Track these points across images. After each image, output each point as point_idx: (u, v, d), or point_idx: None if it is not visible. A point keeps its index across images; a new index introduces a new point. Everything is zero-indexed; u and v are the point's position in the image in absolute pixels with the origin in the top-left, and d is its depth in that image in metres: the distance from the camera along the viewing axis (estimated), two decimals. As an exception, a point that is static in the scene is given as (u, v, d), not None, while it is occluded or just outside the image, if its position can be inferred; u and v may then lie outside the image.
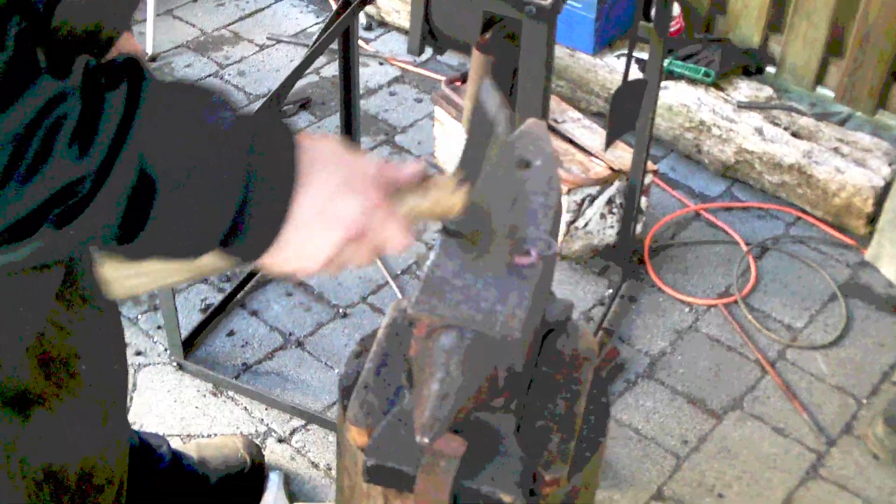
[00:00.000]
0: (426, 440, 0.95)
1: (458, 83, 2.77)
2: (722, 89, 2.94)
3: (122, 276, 1.02)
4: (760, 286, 2.59)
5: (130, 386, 2.31)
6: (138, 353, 2.39)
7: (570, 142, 2.60)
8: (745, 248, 2.68)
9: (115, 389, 1.42)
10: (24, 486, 1.23)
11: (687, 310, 2.53)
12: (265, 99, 2.15)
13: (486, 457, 1.10)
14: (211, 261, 0.92)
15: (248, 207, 0.87)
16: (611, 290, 2.56)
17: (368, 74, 3.33)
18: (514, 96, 1.63)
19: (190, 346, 2.39)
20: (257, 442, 2.18)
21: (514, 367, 1.04)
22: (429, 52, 3.00)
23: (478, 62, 1.80)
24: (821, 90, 3.03)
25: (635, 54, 2.96)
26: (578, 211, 2.49)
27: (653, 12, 2.09)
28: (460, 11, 1.82)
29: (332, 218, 0.92)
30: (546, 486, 1.12)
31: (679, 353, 2.41)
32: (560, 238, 2.53)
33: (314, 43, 2.23)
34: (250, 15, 3.61)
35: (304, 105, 3.19)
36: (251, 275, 2.58)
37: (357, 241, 0.94)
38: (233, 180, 0.85)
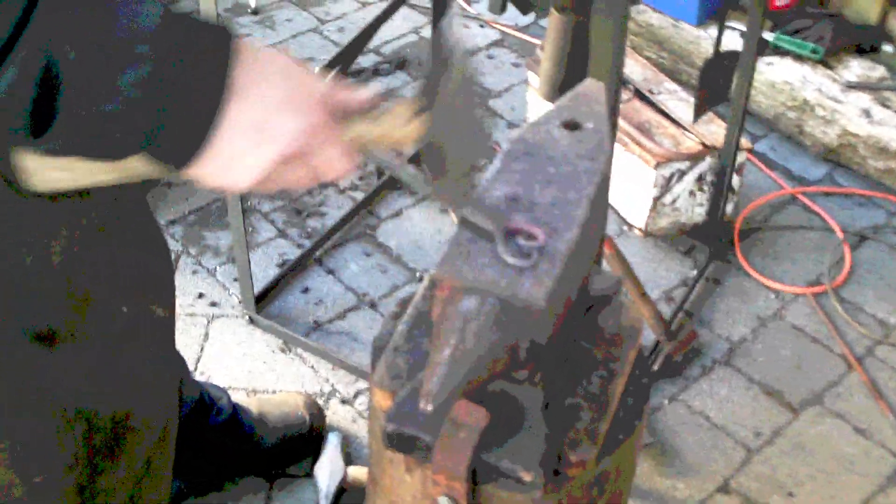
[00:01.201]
0: (429, 408, 0.91)
1: (553, 49, 2.70)
2: (831, 67, 2.80)
3: (43, 168, 0.97)
4: (854, 277, 2.46)
5: (202, 335, 2.33)
6: (213, 304, 2.41)
7: (663, 113, 2.51)
8: (841, 236, 2.55)
9: (159, 336, 1.41)
10: (54, 423, 1.22)
11: (773, 297, 2.42)
12: (340, 51, 2.12)
13: (509, 431, 1.05)
14: (138, 164, 0.88)
15: (171, 111, 0.82)
16: (695, 272, 2.47)
17: (467, 36, 3.28)
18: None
19: (263, 301, 2.39)
20: (321, 402, 2.18)
21: (537, 339, 0.99)
22: (531, 15, 2.94)
23: (556, 24, 1.73)
24: (939, 73, 2.86)
25: (742, 27, 2.85)
26: (666, 186, 2.40)
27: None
28: (543, -29, 1.75)
29: (268, 132, 0.87)
30: (572, 468, 1.06)
31: (760, 341, 2.31)
32: (646, 214, 2.44)
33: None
34: (354, -27, 3.59)
35: (401, 65, 3.15)
36: (331, 232, 2.57)
37: (294, 160, 0.90)
38: (151, 81, 0.80)
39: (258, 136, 0.87)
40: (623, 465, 1.16)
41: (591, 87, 1.22)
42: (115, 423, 1.29)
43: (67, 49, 0.78)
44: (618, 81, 1.52)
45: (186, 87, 0.82)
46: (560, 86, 1.76)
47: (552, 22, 1.73)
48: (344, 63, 2.07)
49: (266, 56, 0.88)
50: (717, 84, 2.05)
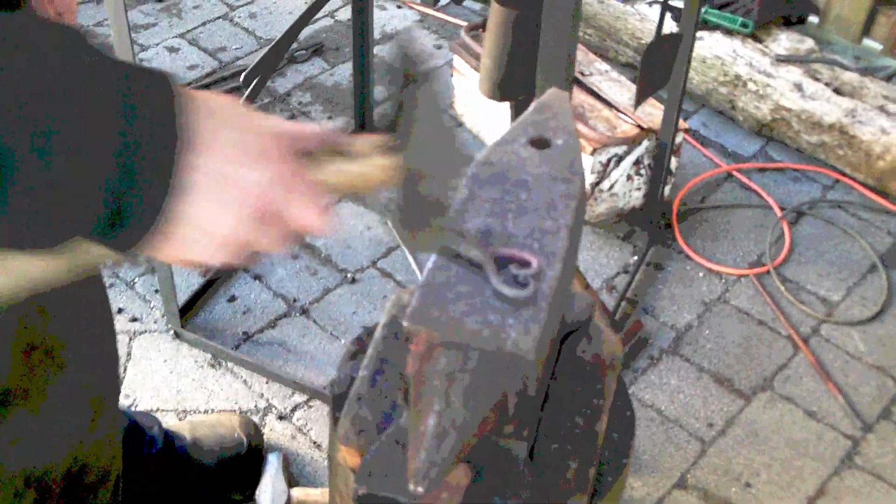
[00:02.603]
0: (420, 490, 0.81)
1: (480, 30, 2.59)
2: (760, 41, 2.75)
3: None
4: (795, 255, 2.43)
5: (124, 355, 2.19)
6: (134, 320, 2.26)
7: (597, 96, 2.43)
8: (779, 214, 2.51)
9: (106, 378, 1.29)
10: (1, 494, 1.11)
11: (716, 279, 2.37)
12: (273, 44, 1.99)
13: (495, 487, 0.96)
14: (85, 252, 0.75)
15: (123, 182, 0.68)
16: (636, 257, 2.40)
17: (386, 18, 3.16)
18: (534, 58, 1.46)
19: (188, 313, 2.26)
20: (257, 419, 2.06)
21: (526, 390, 0.89)
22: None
23: (497, 17, 1.63)
24: (867, 42, 2.83)
25: (670, 2, 2.78)
26: (603, 172, 2.33)
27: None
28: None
29: (233, 189, 0.73)
30: (562, 519, 0.98)
31: (706, 326, 2.26)
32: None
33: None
34: (261, -46, 3.42)
35: (317, 51, 3.02)
36: (255, 235, 2.43)
37: (266, 219, 0.77)
38: (96, 147, 0.67)
39: (222, 195, 0.73)
40: (611, 507, 1.08)
41: (556, 98, 1.12)
42: (67, 480, 1.20)
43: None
44: (571, 82, 1.43)
45: (141, 151, 0.68)
46: (501, 83, 1.66)
47: (493, 15, 1.62)
48: (275, 58, 1.94)
49: (213, 101, 0.76)
50: (659, 67, 1.98)
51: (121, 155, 0.67)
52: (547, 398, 1.05)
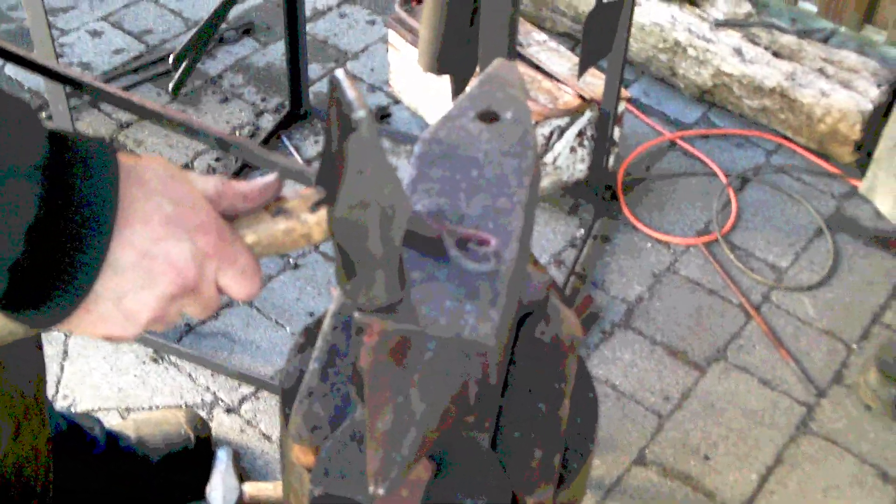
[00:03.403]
0: (381, 491, 0.76)
1: (414, 3, 2.53)
2: (697, 5, 2.72)
3: None
4: (742, 222, 2.41)
5: (60, 353, 2.10)
6: (68, 315, 2.18)
7: (537, 68, 2.38)
8: (724, 180, 2.49)
9: (27, 391, 1.22)
10: None
11: (664, 250, 2.34)
12: (201, 25, 1.90)
13: (458, 481, 0.91)
14: None
15: (42, 255, 0.64)
16: (582, 231, 2.37)
17: (314, -4, 3.08)
18: (475, 29, 1.40)
19: (125, 306, 2.18)
20: (203, 413, 1.99)
21: (488, 379, 0.85)
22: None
23: (433, -12, 1.57)
24: (803, 4, 2.82)
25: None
26: (547, 145, 2.28)
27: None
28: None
29: (158, 267, 0.70)
30: (529, 510, 0.94)
31: (657, 298, 2.23)
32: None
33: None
34: (185, -68, 3.31)
35: (247, 30, 2.93)
36: (191, 223, 2.36)
37: (188, 293, 0.73)
38: (12, 224, 0.62)
39: (149, 272, 0.69)
40: (577, 494, 1.04)
41: (503, 69, 1.07)
42: None
43: None
44: (514, 52, 1.37)
45: (66, 226, 0.64)
46: (440, 55, 1.61)
47: (429, -14, 1.56)
48: (205, 39, 1.85)
49: (143, 168, 0.70)
50: (601, 37, 1.93)
51: (38, 232, 0.63)
52: (507, 384, 1.01)
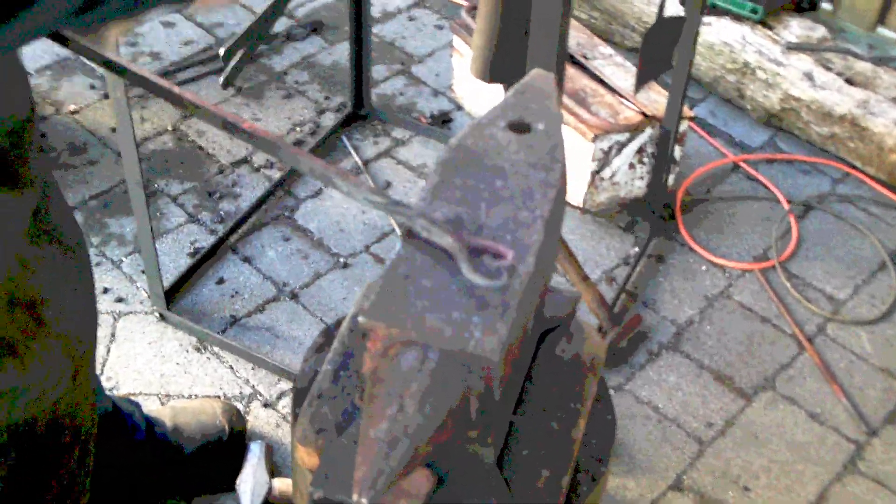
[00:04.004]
0: (364, 501, 0.74)
1: (481, 12, 2.52)
2: (770, 27, 2.66)
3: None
4: (802, 250, 2.35)
5: (108, 336, 2.13)
6: (119, 300, 2.20)
7: (600, 81, 2.35)
8: (786, 207, 2.43)
9: (84, 340, 1.26)
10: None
11: (719, 274, 2.29)
12: (257, 19, 1.91)
13: (459, 494, 0.89)
14: None
15: None
16: (637, 249, 2.33)
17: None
18: (527, 38, 1.38)
19: (175, 295, 2.20)
20: (241, 405, 2.00)
21: (490, 394, 0.83)
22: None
23: (489, -7, 1.56)
24: (882, 31, 2.74)
25: (677, -15, 2.70)
26: (605, 160, 2.25)
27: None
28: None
29: None
30: (532, 531, 0.91)
31: (708, 322, 2.19)
32: (583, 189, 2.29)
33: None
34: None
35: (316, 29, 2.95)
36: (246, 215, 2.37)
37: None
38: None
39: None
40: (587, 517, 1.01)
41: (539, 79, 1.05)
42: (48, 436, 1.21)
43: None
44: (562, 63, 1.35)
45: None
46: (492, 63, 1.59)
47: (485, -9, 1.55)
48: (250, 40, 1.86)
49: None
50: (660, 51, 1.90)
51: None
52: (521, 401, 0.99)
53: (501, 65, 1.58)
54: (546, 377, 1.01)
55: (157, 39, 2.88)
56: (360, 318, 0.81)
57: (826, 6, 2.80)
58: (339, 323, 1.10)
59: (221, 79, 1.68)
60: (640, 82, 1.95)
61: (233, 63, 1.68)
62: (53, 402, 1.21)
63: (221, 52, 1.68)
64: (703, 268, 2.30)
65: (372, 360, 0.82)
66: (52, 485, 1.27)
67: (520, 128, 0.99)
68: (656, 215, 2.35)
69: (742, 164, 2.54)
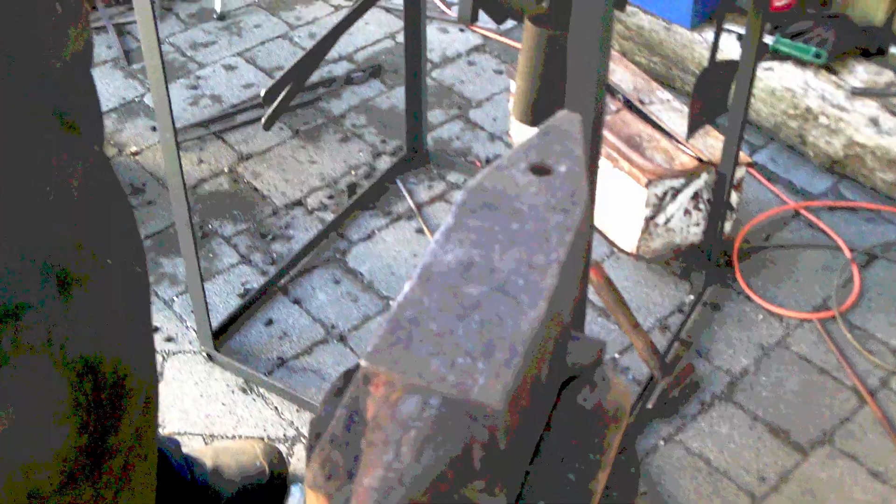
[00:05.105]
0: (352, 552, 0.72)
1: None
2: (835, 72, 2.61)
3: None
4: (864, 301, 2.28)
5: (157, 375, 2.14)
6: (169, 340, 2.22)
7: (656, 126, 2.32)
8: (848, 255, 2.36)
9: (138, 295, 1.29)
10: (68, 376, 1.14)
11: (776, 323, 2.23)
12: (305, 54, 1.92)
13: (465, 547, 0.86)
14: None
15: None
16: (692, 296, 2.28)
17: (448, 41, 3.09)
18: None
19: (223, 335, 2.20)
20: (284, 448, 1.99)
21: (495, 443, 0.80)
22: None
23: (530, 36, 1.54)
24: (951, 77, 2.66)
25: (739, 30, 2.66)
26: (659, 205, 2.21)
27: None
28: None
29: None
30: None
31: (763, 373, 2.12)
32: (637, 235, 2.25)
33: None
34: (328, -25, 3.39)
35: (375, 73, 2.96)
36: (298, 257, 2.37)
37: None
38: None
39: None
40: (606, 575, 0.97)
41: (566, 120, 1.03)
42: (115, 379, 1.21)
43: None
44: (599, 107, 1.33)
45: None
46: (534, 106, 1.57)
47: (526, 33, 1.54)
48: (307, 70, 1.88)
49: None
50: (714, 95, 1.86)
51: None
52: (539, 451, 0.95)
53: (543, 108, 1.56)
54: (565, 427, 0.98)
55: (219, 82, 2.92)
56: (362, 362, 0.79)
57: (894, 51, 2.73)
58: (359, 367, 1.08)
59: (263, 121, 1.68)
60: (693, 128, 1.92)
61: (274, 105, 1.69)
62: (115, 340, 1.22)
63: (262, 93, 1.69)
64: (760, 317, 2.24)
65: (374, 405, 0.80)
66: (116, 442, 1.28)
67: (541, 170, 0.97)
68: (712, 262, 2.29)
69: (803, 211, 2.48)
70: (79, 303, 1.13)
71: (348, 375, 1.11)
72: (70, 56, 1.05)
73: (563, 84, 1.43)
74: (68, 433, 1.17)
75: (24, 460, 1.16)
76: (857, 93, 2.54)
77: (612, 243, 2.35)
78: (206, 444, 2.01)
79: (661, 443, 2.00)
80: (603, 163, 2.21)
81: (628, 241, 2.27)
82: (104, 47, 3.05)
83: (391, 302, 2.29)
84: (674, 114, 2.36)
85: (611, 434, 0.99)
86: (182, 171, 1.85)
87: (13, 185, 1.02)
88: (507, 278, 0.86)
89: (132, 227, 1.29)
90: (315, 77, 2.81)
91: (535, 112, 1.57)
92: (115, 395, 1.22)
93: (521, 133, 2.62)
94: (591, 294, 2.12)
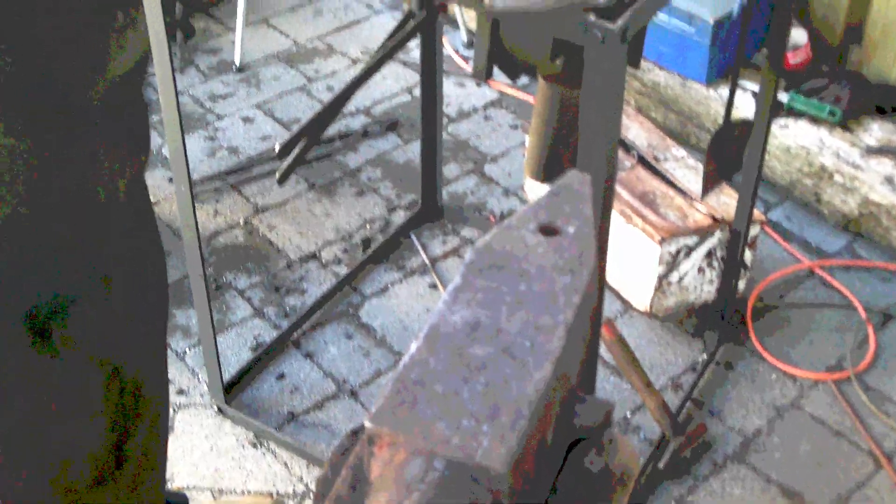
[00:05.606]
0: None
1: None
2: (850, 130, 2.61)
3: None
4: (880, 362, 2.26)
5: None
6: (180, 392, 2.21)
7: (670, 183, 2.32)
8: (864, 315, 2.34)
9: (158, 312, 1.33)
10: (102, 374, 1.19)
11: (790, 383, 2.21)
12: (321, 108, 1.94)
13: None
14: None
15: None
16: (705, 355, 2.26)
17: (464, 96, 3.11)
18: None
19: (234, 389, 2.20)
20: (294, 503, 1.97)
21: (499, 507, 0.79)
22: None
23: (542, 94, 1.55)
24: (966, 137, 2.66)
25: (754, 87, 2.67)
26: (672, 263, 2.21)
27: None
28: (529, 32, 1.57)
29: None
30: None
31: (777, 434, 2.10)
32: (650, 293, 2.25)
33: (378, 52, 1.99)
34: (347, 27, 3.43)
35: (392, 127, 2.98)
36: (311, 311, 2.37)
37: None
38: None
39: None
40: None
41: (576, 180, 1.03)
42: (135, 386, 1.26)
43: None
44: (611, 165, 1.33)
45: None
46: (546, 163, 1.58)
47: (539, 92, 1.55)
48: (323, 124, 1.89)
49: None
50: (728, 154, 1.87)
51: None
52: (545, 514, 0.94)
53: (555, 165, 1.56)
54: (571, 490, 0.97)
55: (236, 134, 2.94)
56: (367, 423, 0.79)
57: (909, 110, 2.73)
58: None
59: (277, 175, 1.70)
60: (707, 186, 1.92)
61: (289, 160, 1.70)
62: (136, 348, 1.26)
63: (277, 147, 1.70)
64: (774, 377, 2.22)
65: (378, 466, 0.80)
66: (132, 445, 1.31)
67: (549, 230, 0.97)
68: (726, 321, 2.28)
69: (818, 270, 2.46)
70: (112, 305, 1.17)
71: (354, 435, 1.10)
72: (131, 63, 1.08)
73: (575, 142, 1.44)
74: (101, 430, 1.22)
75: (66, 453, 1.20)
76: (872, 151, 2.54)
77: (625, 301, 2.34)
78: (214, 498, 2.00)
79: None
80: (617, 219, 2.21)
81: (641, 298, 2.27)
82: (124, 99, 3.08)
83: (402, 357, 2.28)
84: (688, 171, 2.37)
85: (617, 497, 0.98)
86: (197, 223, 1.86)
87: (69, 184, 1.06)
88: (514, 340, 0.86)
89: (160, 246, 1.31)
90: (332, 130, 2.83)
91: (547, 169, 1.58)
92: (134, 400, 1.26)
93: (536, 189, 2.63)
94: (604, 352, 2.11)
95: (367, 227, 2.63)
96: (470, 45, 3.29)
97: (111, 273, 1.17)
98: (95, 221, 1.11)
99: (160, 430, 1.40)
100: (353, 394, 2.20)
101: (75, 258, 1.11)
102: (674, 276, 2.22)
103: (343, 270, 2.49)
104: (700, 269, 2.24)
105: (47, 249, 1.08)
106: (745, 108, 2.62)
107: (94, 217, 1.10)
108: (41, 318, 1.11)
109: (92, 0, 1.01)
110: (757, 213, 2.20)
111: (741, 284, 2.31)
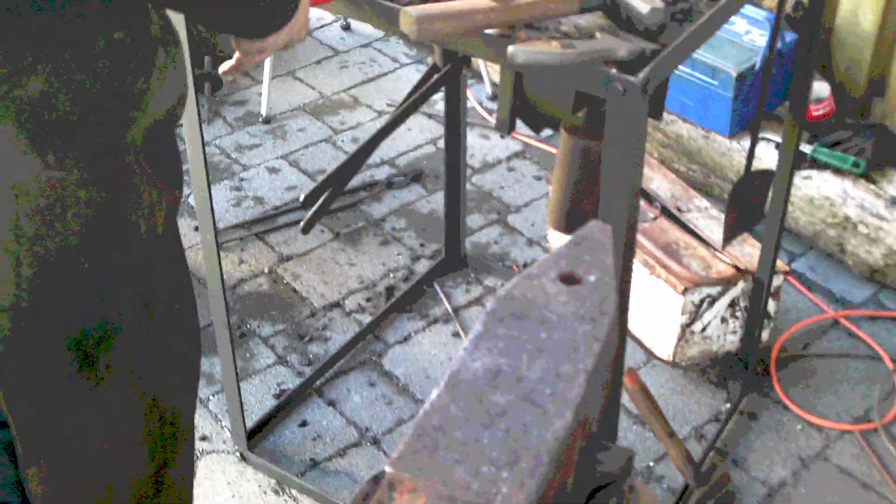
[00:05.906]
0: None
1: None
2: (874, 182, 2.61)
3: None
4: (907, 413, 2.24)
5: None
6: (203, 439, 2.22)
7: (693, 234, 2.33)
8: (890, 366, 2.33)
9: (193, 346, 1.34)
10: (143, 403, 1.22)
11: (816, 434, 2.19)
12: (346, 159, 1.96)
13: None
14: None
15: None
16: (728, 405, 2.25)
17: (488, 148, 3.14)
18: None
19: (257, 436, 2.21)
20: (313, 551, 1.98)
21: (519, 555, 0.79)
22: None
23: (565, 145, 1.57)
24: None
25: (777, 139, 2.68)
26: (696, 313, 2.21)
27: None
28: (552, 86, 1.59)
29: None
30: None
31: (802, 485, 2.08)
32: (673, 342, 2.24)
33: (403, 104, 2.02)
34: (373, 80, 3.47)
35: (416, 178, 3.01)
36: (334, 359, 2.38)
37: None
38: None
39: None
40: None
41: (597, 230, 1.04)
42: (172, 417, 1.29)
43: None
44: (633, 216, 1.34)
45: None
46: (568, 214, 1.59)
47: (562, 144, 1.57)
48: (347, 174, 1.92)
49: None
50: (749, 205, 1.87)
51: None
52: (565, 562, 0.94)
53: (577, 216, 1.58)
54: (593, 539, 0.97)
55: (262, 184, 2.98)
56: (387, 469, 0.80)
57: (933, 162, 2.73)
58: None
59: (301, 224, 1.72)
60: (729, 236, 1.93)
61: (313, 209, 1.72)
62: (172, 385, 1.28)
63: (301, 197, 1.72)
64: (799, 427, 2.21)
65: (398, 512, 0.80)
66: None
67: (570, 279, 0.98)
68: (749, 371, 2.27)
69: (842, 320, 2.46)
70: (154, 337, 1.19)
71: (376, 480, 1.11)
72: (172, 101, 1.12)
73: (597, 192, 1.45)
74: (143, 457, 1.25)
75: (109, 478, 1.23)
76: None
77: (648, 350, 2.34)
78: (236, 545, 2.00)
79: (698, 555, 1.96)
80: (640, 270, 2.22)
81: (665, 348, 2.26)
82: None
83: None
84: (711, 221, 2.37)
85: (639, 546, 0.98)
86: (222, 271, 1.88)
87: (115, 216, 1.09)
88: (535, 387, 0.87)
89: (191, 283, 1.33)
90: (357, 181, 2.86)
91: (570, 220, 1.59)
92: (173, 430, 1.29)
93: (559, 239, 2.64)
94: (627, 401, 2.11)
95: (391, 276, 2.65)
96: (494, 97, 3.33)
97: (153, 305, 1.20)
98: (139, 253, 1.14)
99: (192, 464, 1.42)
100: (376, 441, 2.21)
101: (121, 288, 1.14)
102: (697, 326, 2.22)
103: (366, 319, 2.50)
104: (723, 319, 2.24)
105: (96, 279, 1.11)
106: (768, 159, 2.63)
107: (138, 249, 1.14)
108: (89, 345, 1.13)
109: (137, 39, 1.05)
110: (780, 264, 2.20)
111: (765, 334, 2.30)
